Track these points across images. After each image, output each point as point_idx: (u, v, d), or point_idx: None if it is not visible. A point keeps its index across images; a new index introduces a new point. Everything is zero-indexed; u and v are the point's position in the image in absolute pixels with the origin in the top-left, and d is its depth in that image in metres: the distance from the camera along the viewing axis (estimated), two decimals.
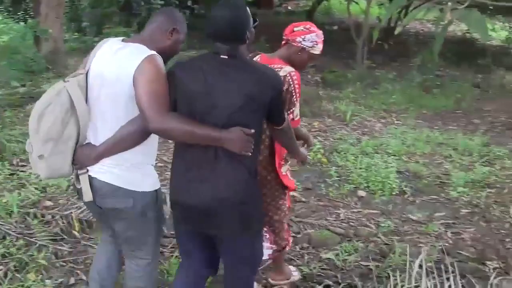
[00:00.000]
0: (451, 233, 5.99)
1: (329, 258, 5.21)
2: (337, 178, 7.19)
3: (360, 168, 7.40)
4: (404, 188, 7.01)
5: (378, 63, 15.50)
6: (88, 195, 3.27)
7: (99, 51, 3.31)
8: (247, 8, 3.26)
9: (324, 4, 21.79)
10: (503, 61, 16.53)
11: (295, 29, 4.08)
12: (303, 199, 6.52)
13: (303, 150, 4.01)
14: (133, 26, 12.61)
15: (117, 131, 3.19)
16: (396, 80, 13.44)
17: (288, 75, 3.88)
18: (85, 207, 5.36)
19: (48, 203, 5.77)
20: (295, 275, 4.81)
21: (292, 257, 5.18)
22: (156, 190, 3.44)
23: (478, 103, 12.55)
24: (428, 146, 8.82)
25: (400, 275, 4.47)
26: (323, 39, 4.17)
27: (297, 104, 4.00)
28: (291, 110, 3.94)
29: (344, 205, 6.48)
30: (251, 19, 3.30)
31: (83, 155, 3.24)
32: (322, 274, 4.98)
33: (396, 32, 3.28)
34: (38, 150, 3.17)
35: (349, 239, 5.62)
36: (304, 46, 4.05)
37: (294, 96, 3.94)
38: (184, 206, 3.32)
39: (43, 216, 5.50)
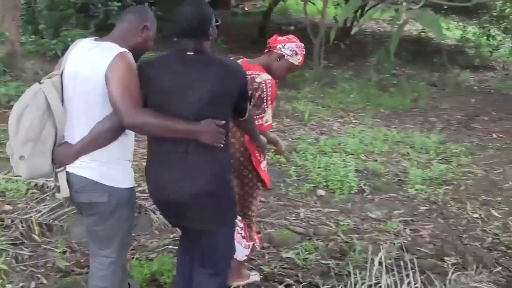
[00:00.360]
0: (410, 230, 6.08)
1: (289, 257, 5.24)
2: (297, 178, 7.24)
3: (319, 168, 7.47)
4: (363, 187, 7.10)
5: (335, 63, 15.63)
6: (65, 191, 3.32)
7: (72, 51, 3.38)
8: (209, 6, 3.44)
9: (281, 5, 21.81)
10: (458, 60, 16.82)
11: (279, 38, 4.27)
12: (263, 199, 6.48)
13: (262, 137, 4.08)
14: (91, 28, 12.52)
15: (92, 129, 3.26)
16: (353, 80, 13.58)
17: (263, 82, 4.03)
18: (45, 210, 5.35)
19: (7, 207, 5.69)
20: (255, 277, 4.85)
21: (253, 257, 5.19)
22: (131, 188, 3.52)
23: (434, 101, 12.75)
24: (385, 145, 8.94)
25: (360, 273, 4.52)
26: (304, 53, 4.34)
27: (268, 111, 4.14)
28: (260, 116, 4.08)
29: (304, 204, 6.53)
30: (213, 16, 3.46)
31: (61, 154, 3.30)
32: (283, 273, 5.00)
33: (352, 32, 3.37)
34: (19, 151, 3.25)
35: (309, 238, 5.65)
36: (283, 54, 4.19)
37: (265, 104, 4.07)
38: (162, 203, 3.49)
39: (2, 220, 5.43)
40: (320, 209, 6.41)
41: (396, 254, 5.35)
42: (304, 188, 6.88)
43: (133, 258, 4.94)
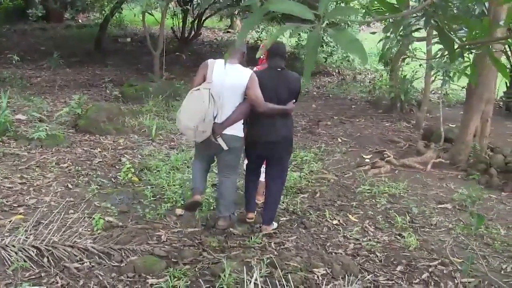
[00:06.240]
0: (275, 243, 6.02)
1: (158, 285, 4.97)
2: (153, 198, 7.00)
3: (174, 185, 7.31)
4: None
5: (177, 74, 15.46)
6: (225, 146, 5.91)
7: (215, 68, 5.91)
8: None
9: (116, 16, 21.34)
10: (295, 66, 17.10)
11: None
12: (120, 224, 6.22)
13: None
14: None
15: (235, 112, 5.90)
16: None
17: None
18: None
19: None
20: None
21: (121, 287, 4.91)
22: (243, 136, 6.13)
23: None
24: None
25: None
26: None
27: None
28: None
29: (164, 225, 6.28)
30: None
31: (217, 128, 5.84)
32: None
33: (257, 56, 3.27)
34: (203, 128, 5.72)
35: (175, 261, 5.42)
36: None
37: None
38: (262, 141, 6.14)
39: None
40: (181, 229, 6.21)
41: (266, 271, 5.24)
42: (162, 208, 6.64)
43: None
